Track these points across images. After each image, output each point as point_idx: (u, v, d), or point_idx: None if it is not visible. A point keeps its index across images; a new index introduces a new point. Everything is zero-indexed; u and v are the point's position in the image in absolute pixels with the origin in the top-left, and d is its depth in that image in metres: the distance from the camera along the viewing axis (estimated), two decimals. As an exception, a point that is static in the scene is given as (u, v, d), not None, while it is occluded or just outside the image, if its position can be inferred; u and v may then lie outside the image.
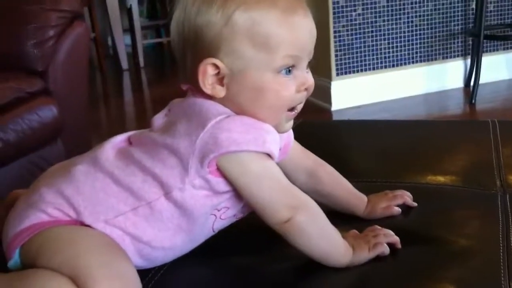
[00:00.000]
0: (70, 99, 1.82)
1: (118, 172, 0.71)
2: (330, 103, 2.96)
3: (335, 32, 2.89)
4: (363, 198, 0.87)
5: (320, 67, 3.00)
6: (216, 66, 0.70)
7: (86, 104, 1.96)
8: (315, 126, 1.31)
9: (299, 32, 0.71)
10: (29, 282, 0.63)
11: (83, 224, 0.69)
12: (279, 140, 0.79)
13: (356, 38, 2.94)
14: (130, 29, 4.57)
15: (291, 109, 0.74)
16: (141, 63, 4.49)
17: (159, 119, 0.75)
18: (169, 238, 0.72)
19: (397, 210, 0.85)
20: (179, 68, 0.75)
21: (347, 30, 2.92)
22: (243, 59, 0.69)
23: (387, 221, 0.84)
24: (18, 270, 0.69)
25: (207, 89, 0.71)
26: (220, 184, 0.71)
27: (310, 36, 0.73)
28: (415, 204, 0.87)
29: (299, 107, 0.76)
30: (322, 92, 2.99)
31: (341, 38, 2.91)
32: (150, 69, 4.59)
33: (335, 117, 2.91)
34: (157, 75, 4.56)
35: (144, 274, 0.73)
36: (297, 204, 0.71)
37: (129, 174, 0.70)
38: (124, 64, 4.41)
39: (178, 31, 0.72)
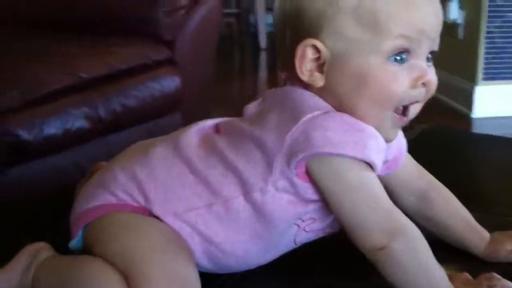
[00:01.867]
0: (194, 72, 1.80)
1: (197, 160, 0.63)
2: (470, 109, 2.71)
3: (487, 32, 2.63)
4: (485, 234, 0.72)
5: (465, 68, 2.75)
6: (317, 49, 0.60)
7: (210, 78, 1.93)
8: (447, 134, 1.15)
9: (418, 10, 0.59)
10: (76, 273, 0.58)
11: (151, 214, 0.63)
12: (386, 149, 0.67)
13: (510, 42, 2.66)
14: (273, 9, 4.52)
15: (402, 110, 0.62)
16: (262, 45, 4.44)
17: (252, 108, 0.67)
18: (243, 244, 0.64)
19: (527, 255, 0.70)
20: (277, 52, 0.66)
21: (501, 32, 2.64)
22: (346, 41, 0.60)
23: (510, 269, 0.69)
24: (77, 252, 0.64)
25: (304, 75, 0.61)
26: (308, 190, 0.61)
27: (435, 18, 0.60)
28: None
29: (414, 110, 0.63)
30: (463, 96, 2.75)
31: (493, 40, 2.64)
32: (272, 51, 4.54)
33: (475, 126, 2.66)
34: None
35: (213, 278, 0.66)
36: (395, 229, 0.59)
37: (208, 165, 0.63)
38: (263, 43, 4.39)
39: (281, 6, 0.64)
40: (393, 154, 0.70)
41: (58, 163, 1.39)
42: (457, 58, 2.84)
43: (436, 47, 0.63)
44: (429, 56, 0.63)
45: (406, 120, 0.63)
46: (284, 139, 0.59)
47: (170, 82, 1.67)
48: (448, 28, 2.88)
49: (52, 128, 1.37)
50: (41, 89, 1.38)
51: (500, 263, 0.70)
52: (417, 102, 0.63)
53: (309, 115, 0.59)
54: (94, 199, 0.65)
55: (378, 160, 0.60)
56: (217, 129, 0.68)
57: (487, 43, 2.64)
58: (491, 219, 0.78)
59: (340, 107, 0.61)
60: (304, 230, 0.65)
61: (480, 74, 2.68)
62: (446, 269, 0.64)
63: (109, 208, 0.64)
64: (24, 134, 1.32)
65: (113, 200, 0.64)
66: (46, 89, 1.38)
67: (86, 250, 0.64)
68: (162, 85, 1.65)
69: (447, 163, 0.99)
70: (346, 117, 0.60)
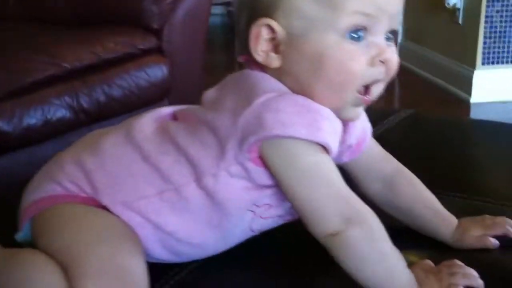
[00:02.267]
0: (183, 61, 1.77)
1: (149, 147, 0.61)
2: (470, 94, 2.67)
3: (486, 17, 2.58)
4: (452, 220, 0.70)
5: (464, 53, 2.71)
6: (272, 29, 0.58)
7: (201, 68, 1.90)
8: (430, 122, 1.12)
9: None
10: (15, 267, 0.56)
11: (99, 204, 0.61)
12: (349, 134, 0.65)
13: (510, 26, 2.61)
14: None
15: (365, 90, 0.60)
16: None
17: (210, 94, 0.64)
18: (198, 232, 0.62)
19: (493, 242, 0.67)
20: (236, 34, 0.64)
21: (501, 16, 2.59)
22: (303, 19, 0.57)
23: (476, 255, 0.66)
24: (27, 245, 0.62)
25: (260, 56, 0.59)
26: (262, 175, 0.59)
27: None
28: (522, 238, 0.69)
29: (377, 90, 0.61)
30: (462, 80, 2.70)
31: (493, 25, 2.60)
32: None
33: (474, 111, 2.62)
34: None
35: (165, 270, 0.64)
36: (352, 215, 0.56)
37: (161, 152, 0.61)
38: None
39: None
40: (357, 139, 0.68)
41: (40, 154, 1.37)
42: (456, 43, 2.80)
43: (396, 26, 0.60)
44: (390, 35, 0.60)
45: (368, 99, 0.60)
46: (237, 122, 0.57)
47: (157, 71, 1.65)
48: (448, 13, 2.83)
49: (33, 118, 1.36)
50: (21, 79, 1.36)
51: (467, 251, 0.67)
52: (378, 81, 0.60)
53: (262, 98, 0.57)
54: (41, 190, 0.62)
55: (333, 143, 0.58)
56: (174, 116, 0.66)
57: (487, 27, 2.60)
58: (462, 204, 0.76)
59: (298, 88, 0.59)
60: (261, 217, 0.63)
61: (479, 59, 2.64)
62: (409, 256, 0.62)
63: (56, 199, 0.61)
64: (3, 125, 1.31)
65: (60, 190, 0.61)
66: (27, 79, 1.37)
67: (34, 243, 0.62)
68: (149, 75, 1.63)
69: (428, 148, 0.96)
70: (300, 99, 0.58)
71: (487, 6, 2.56)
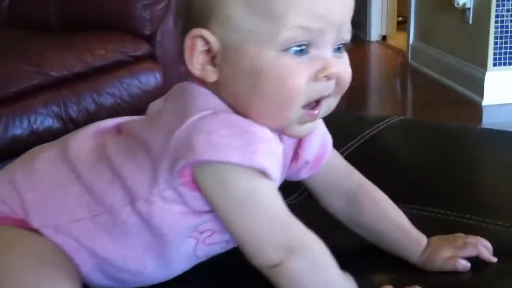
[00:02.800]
0: (177, 67, 1.74)
1: (83, 167, 0.57)
2: (482, 96, 2.59)
3: (496, 16, 2.50)
4: (421, 240, 0.65)
5: (474, 54, 2.64)
6: (206, 41, 0.53)
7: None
8: (416, 130, 1.06)
9: None
10: None
11: (30, 227, 0.57)
12: (306, 148, 0.61)
13: (521, 25, 2.53)
14: None
15: (312, 105, 0.54)
16: None
17: (155, 106, 0.60)
18: (136, 259, 0.57)
19: (464, 265, 0.62)
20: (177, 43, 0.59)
21: (512, 15, 2.52)
22: (238, 31, 0.52)
23: (445, 279, 0.61)
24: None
25: (196, 69, 0.54)
26: (197, 200, 0.54)
27: (339, 4, 0.53)
28: (494, 259, 0.63)
29: (328, 104, 0.56)
30: (473, 82, 2.63)
31: (504, 24, 2.52)
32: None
33: (486, 113, 2.55)
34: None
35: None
36: (293, 244, 0.52)
37: (96, 172, 0.56)
38: None
39: None
40: (314, 154, 0.63)
41: (25, 164, 1.35)
42: (467, 44, 2.73)
43: (347, 36, 0.55)
44: (340, 46, 0.55)
45: (315, 115, 0.55)
46: (168, 143, 0.52)
47: (150, 78, 1.62)
48: (458, 13, 2.77)
49: (18, 128, 1.34)
50: (6, 88, 1.34)
51: (437, 272, 0.62)
52: (325, 97, 0.55)
53: (195, 117, 0.52)
54: None
55: (271, 167, 0.52)
56: (118, 129, 0.62)
57: (497, 27, 2.53)
58: (442, 220, 0.71)
59: (237, 105, 0.54)
60: (204, 243, 0.59)
61: (490, 60, 2.56)
62: (372, 280, 0.57)
63: None
64: (-13, 136, 1.29)
65: None
66: (12, 88, 1.34)
67: None
68: (141, 82, 1.60)
69: (408, 157, 0.91)
70: (235, 118, 0.53)
71: (497, 6, 2.49)
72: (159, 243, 0.57)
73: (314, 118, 0.56)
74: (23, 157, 0.63)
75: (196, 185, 0.53)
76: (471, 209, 0.73)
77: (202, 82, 0.56)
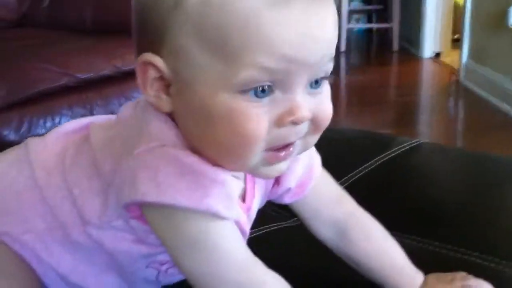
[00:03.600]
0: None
1: (41, 175, 0.53)
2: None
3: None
4: (415, 279, 0.59)
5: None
6: (158, 69, 0.46)
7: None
8: (435, 154, 0.99)
9: (285, 28, 0.43)
10: None
11: None
12: (288, 175, 0.56)
13: None
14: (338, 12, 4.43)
15: (279, 147, 0.47)
16: (342, 48, 4.31)
17: (124, 111, 0.54)
18: (95, 276, 0.54)
19: (458, 309, 0.56)
20: None
21: None
22: (190, 66, 0.45)
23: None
24: None
25: (150, 96, 0.47)
26: (149, 235, 0.50)
27: (312, 40, 0.44)
28: (495, 305, 0.57)
29: (304, 144, 0.49)
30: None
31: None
32: (352, 54, 4.40)
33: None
34: (357, 61, 4.34)
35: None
36: (250, 286, 0.48)
37: (52, 183, 0.53)
38: (342, 45, 4.30)
39: (132, 7, 0.49)
40: (297, 180, 0.57)
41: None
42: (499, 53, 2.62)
43: (328, 69, 0.47)
44: (320, 79, 0.47)
45: (284, 157, 0.48)
46: (116, 173, 0.48)
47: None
48: (511, 33, 2.65)
49: (42, 128, 1.35)
50: (31, 88, 1.35)
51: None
52: (291, 142, 0.47)
53: (143, 147, 0.47)
54: None
55: (225, 208, 0.46)
56: (86, 133, 0.55)
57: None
58: (447, 256, 0.65)
59: (192, 143, 0.48)
60: (167, 273, 0.54)
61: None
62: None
63: None
64: (10, 134, 1.30)
65: None
66: (37, 88, 1.36)
67: None
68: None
69: (420, 184, 0.84)
70: (184, 156, 0.46)
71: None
72: (118, 265, 0.53)
73: (282, 159, 0.48)
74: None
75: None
76: (480, 247, 0.66)
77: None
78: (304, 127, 0.47)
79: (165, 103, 0.47)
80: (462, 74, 3.36)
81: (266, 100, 0.45)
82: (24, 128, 1.32)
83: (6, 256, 0.53)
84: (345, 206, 0.61)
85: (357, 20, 4.96)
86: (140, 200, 0.46)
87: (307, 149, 0.50)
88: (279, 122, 0.45)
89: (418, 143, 0.98)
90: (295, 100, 0.45)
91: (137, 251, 0.52)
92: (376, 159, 0.92)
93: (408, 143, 0.98)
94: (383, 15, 4.57)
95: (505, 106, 2.74)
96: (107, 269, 0.54)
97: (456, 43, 3.90)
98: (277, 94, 0.45)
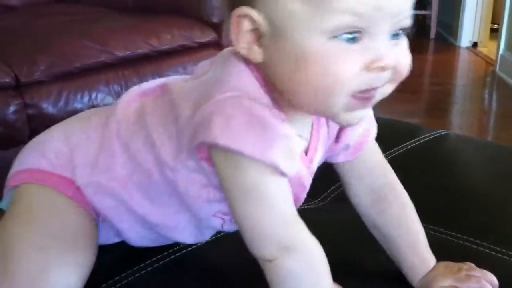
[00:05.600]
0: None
1: (125, 126, 0.59)
2: None
3: None
4: (429, 262, 0.62)
5: None
6: (253, 20, 0.50)
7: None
8: (460, 145, 1.01)
9: None
10: None
11: (74, 186, 0.60)
12: (347, 133, 0.60)
13: None
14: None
15: (363, 93, 0.51)
16: None
17: (201, 66, 0.58)
18: (169, 215, 0.60)
19: (460, 298, 0.59)
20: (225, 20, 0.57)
21: None
22: (284, 14, 0.49)
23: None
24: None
25: (242, 49, 0.51)
26: (216, 176, 0.54)
27: None
28: (497, 295, 0.59)
29: (383, 92, 0.52)
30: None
31: None
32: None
33: None
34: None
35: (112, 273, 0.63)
36: (292, 245, 0.51)
37: (133, 131, 0.58)
38: None
39: None
40: (355, 139, 0.61)
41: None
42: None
43: (407, 23, 0.51)
44: (399, 32, 0.51)
45: (368, 103, 0.52)
46: (194, 116, 0.52)
47: (213, 65, 1.64)
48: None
49: (79, 103, 1.40)
50: (71, 64, 1.40)
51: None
52: (376, 88, 0.51)
53: (221, 95, 0.51)
54: (26, 160, 0.62)
55: (286, 164, 0.51)
56: (163, 88, 0.61)
57: None
58: (461, 246, 0.67)
59: (282, 88, 0.52)
60: (231, 222, 0.59)
61: None
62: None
63: (36, 174, 0.61)
64: (49, 107, 1.36)
65: (44, 164, 0.61)
66: (76, 64, 1.41)
67: None
68: (204, 68, 1.62)
69: (445, 177, 0.87)
70: (257, 109, 0.51)
71: None
72: (189, 209, 0.59)
73: (364, 106, 0.52)
74: (79, 116, 0.66)
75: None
76: (492, 239, 0.69)
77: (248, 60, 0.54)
78: (387, 74, 0.51)
79: (257, 54, 0.51)
80: (498, 64, 3.32)
81: (356, 46, 0.49)
82: (62, 102, 1.37)
83: (75, 220, 0.59)
84: (387, 176, 0.64)
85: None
86: (211, 142, 0.50)
87: (384, 96, 0.53)
88: (367, 67, 0.49)
89: (443, 133, 1.00)
90: (382, 47, 0.49)
91: (204, 195, 0.57)
92: (398, 147, 0.94)
93: (433, 133, 1.00)
94: (422, 1, 4.51)
95: (540, 100, 2.70)
96: (181, 211, 0.59)
97: (495, 33, 3.85)
98: (365, 41, 0.49)
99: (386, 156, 0.91)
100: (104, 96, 1.44)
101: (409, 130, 1.03)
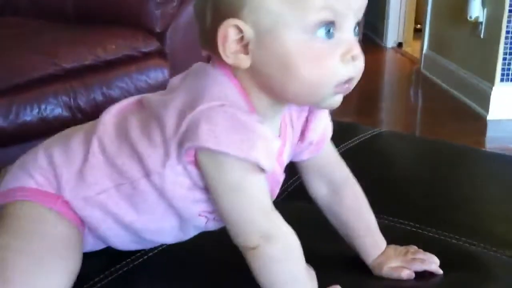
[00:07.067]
0: (184, 65, 1.80)
1: (107, 141, 0.64)
2: (487, 110, 2.63)
3: (507, 32, 2.53)
4: (381, 244, 0.71)
5: (483, 68, 2.67)
6: (240, 29, 0.57)
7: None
8: (395, 139, 1.11)
9: None
10: None
11: (63, 200, 0.64)
12: (311, 130, 0.68)
13: (531, 43, 2.56)
14: None
15: (344, 84, 0.59)
16: None
17: (174, 81, 0.65)
18: (155, 222, 0.65)
19: (407, 273, 0.68)
20: (199, 31, 0.63)
21: (523, 32, 2.54)
22: (269, 16, 0.56)
23: (390, 285, 0.67)
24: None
25: (229, 58, 0.58)
26: (202, 178, 0.61)
27: None
28: (440, 271, 0.69)
29: (353, 83, 0.61)
30: (479, 96, 2.67)
31: (514, 40, 2.55)
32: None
33: (490, 127, 2.59)
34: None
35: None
36: (271, 234, 0.59)
37: (117, 146, 0.63)
38: None
39: None
40: (318, 136, 0.69)
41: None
42: (477, 57, 2.77)
43: (360, 17, 0.59)
44: (356, 28, 0.59)
45: (348, 90, 0.60)
46: (180, 126, 0.58)
47: (157, 74, 1.69)
48: (470, 26, 2.80)
49: (29, 115, 1.41)
50: (19, 76, 1.41)
51: (383, 278, 0.69)
52: (351, 79, 0.59)
53: (205, 105, 0.57)
54: (14, 179, 0.66)
55: (265, 161, 0.58)
56: (140, 103, 0.67)
57: (507, 43, 2.55)
58: (410, 232, 0.76)
59: (272, 87, 0.60)
60: (214, 220, 0.66)
61: (498, 75, 2.59)
62: (325, 276, 0.63)
63: (24, 193, 0.65)
64: (-1, 121, 1.37)
65: (31, 184, 0.65)
66: (25, 77, 1.42)
67: None
68: (149, 77, 1.67)
69: (388, 170, 0.97)
70: (239, 114, 0.58)
71: (508, 21, 2.51)
72: (176, 212, 0.64)
73: (345, 92, 0.60)
74: (62, 134, 0.70)
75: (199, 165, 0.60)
76: (434, 221, 0.79)
77: (224, 67, 0.60)
78: (359, 64, 0.59)
79: (244, 61, 0.58)
80: (422, 63, 3.51)
81: (333, 41, 0.57)
82: (12, 115, 1.39)
83: (66, 234, 0.64)
84: (342, 169, 0.73)
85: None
86: (200, 145, 0.57)
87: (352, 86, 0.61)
88: (343, 59, 0.57)
89: (379, 132, 1.10)
90: (351, 40, 0.58)
91: (192, 196, 0.62)
92: (340, 147, 1.03)
93: (370, 131, 1.10)
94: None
95: (459, 96, 2.90)
96: (166, 216, 0.65)
97: (419, 33, 4.06)
98: (337, 36, 0.57)
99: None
100: (53, 108, 1.46)
101: (346, 129, 1.13)
